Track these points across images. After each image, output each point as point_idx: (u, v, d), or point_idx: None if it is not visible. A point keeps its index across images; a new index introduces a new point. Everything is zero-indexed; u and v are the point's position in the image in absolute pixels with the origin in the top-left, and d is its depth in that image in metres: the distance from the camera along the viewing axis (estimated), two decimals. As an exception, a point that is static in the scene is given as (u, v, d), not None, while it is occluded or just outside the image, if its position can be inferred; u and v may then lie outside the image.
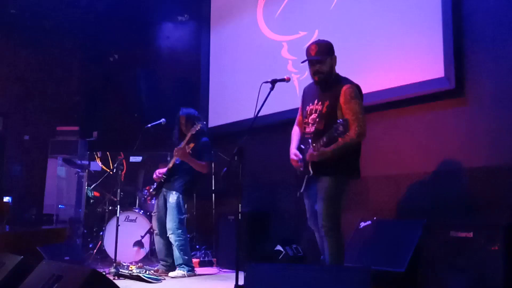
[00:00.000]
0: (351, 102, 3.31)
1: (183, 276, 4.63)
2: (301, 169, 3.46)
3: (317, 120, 3.41)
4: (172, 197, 4.78)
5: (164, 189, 4.90)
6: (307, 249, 4.75)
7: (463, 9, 4.10)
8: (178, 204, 4.76)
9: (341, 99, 3.32)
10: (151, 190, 5.12)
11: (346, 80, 3.44)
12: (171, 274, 4.66)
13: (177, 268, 4.72)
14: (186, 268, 4.69)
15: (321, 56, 3.38)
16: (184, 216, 4.83)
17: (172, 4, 7.27)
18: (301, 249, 4.82)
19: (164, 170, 4.91)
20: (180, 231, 4.72)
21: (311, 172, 3.36)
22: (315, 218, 3.47)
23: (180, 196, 4.79)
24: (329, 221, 3.32)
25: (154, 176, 5.00)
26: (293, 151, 3.55)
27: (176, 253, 4.72)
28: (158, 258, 4.93)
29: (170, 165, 4.85)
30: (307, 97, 3.63)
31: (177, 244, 4.70)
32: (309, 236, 3.73)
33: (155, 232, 4.92)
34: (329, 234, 3.33)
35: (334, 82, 3.44)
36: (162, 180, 4.87)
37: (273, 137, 5.32)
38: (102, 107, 8.59)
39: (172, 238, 4.71)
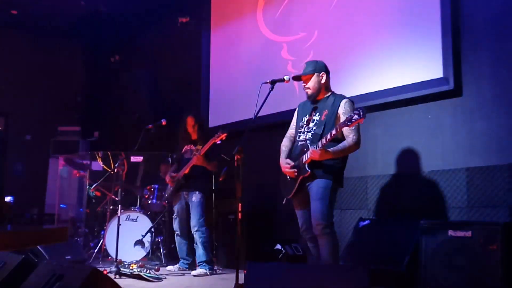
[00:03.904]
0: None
1: (206, 275, 4.73)
2: (295, 174, 3.53)
3: (314, 128, 3.54)
4: (196, 197, 4.91)
5: (184, 192, 5.01)
6: (306, 248, 4.76)
7: (462, 10, 4.13)
8: (202, 203, 4.91)
9: (341, 110, 3.50)
10: (165, 194, 5.28)
11: (344, 96, 3.64)
12: (193, 272, 4.75)
13: (199, 267, 4.81)
14: (208, 266, 4.81)
15: (307, 72, 3.62)
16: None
17: (173, 5, 7.29)
18: (300, 248, 4.84)
19: (177, 174, 5.02)
20: (204, 228, 4.86)
21: (309, 171, 3.41)
22: (310, 227, 3.53)
23: (203, 195, 4.94)
24: (325, 220, 3.39)
25: (168, 180, 5.13)
26: (284, 160, 3.67)
27: (200, 250, 4.84)
28: (179, 257, 5.08)
29: (187, 170, 4.92)
30: (302, 111, 3.77)
31: (202, 241, 4.82)
32: (305, 238, 3.75)
33: (177, 233, 5.07)
34: (325, 232, 3.39)
35: (331, 97, 3.63)
36: (183, 182, 4.98)
37: (273, 137, 5.31)
38: (103, 108, 8.62)
39: (196, 235, 4.84)
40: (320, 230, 3.39)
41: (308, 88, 3.63)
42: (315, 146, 3.38)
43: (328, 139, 3.32)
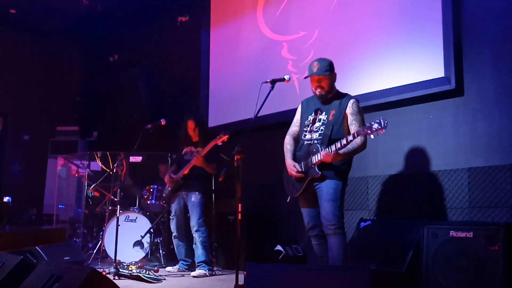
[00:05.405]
0: (358, 115, 3.56)
1: (205, 276, 4.71)
2: (302, 175, 3.53)
3: (322, 128, 3.54)
4: (195, 197, 4.92)
5: (183, 192, 5.00)
6: (307, 249, 4.75)
7: (463, 9, 4.11)
8: (201, 203, 4.92)
9: (348, 110, 3.53)
10: (164, 194, 5.28)
11: (350, 96, 3.64)
12: (193, 273, 4.73)
13: (198, 268, 4.79)
14: (207, 267, 4.79)
15: (323, 72, 3.57)
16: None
17: (173, 4, 7.26)
18: (301, 249, 4.82)
19: (176, 175, 5.01)
20: (203, 228, 4.87)
21: (319, 173, 3.43)
22: (316, 225, 3.55)
23: (202, 196, 4.94)
24: (338, 221, 3.43)
25: (166, 180, 5.11)
26: (291, 162, 3.64)
27: (199, 250, 4.83)
28: (178, 259, 5.07)
29: (186, 171, 4.92)
30: (306, 109, 3.75)
31: (201, 241, 4.82)
32: (309, 236, 3.73)
33: (174, 234, 5.06)
34: (337, 232, 3.43)
35: (336, 96, 3.64)
36: (182, 182, 4.97)
37: (273, 137, 5.31)
38: (102, 107, 8.60)
39: (196, 235, 4.84)
40: (333, 230, 3.42)
41: (323, 88, 3.59)
42: (328, 149, 3.38)
43: (344, 144, 3.33)
